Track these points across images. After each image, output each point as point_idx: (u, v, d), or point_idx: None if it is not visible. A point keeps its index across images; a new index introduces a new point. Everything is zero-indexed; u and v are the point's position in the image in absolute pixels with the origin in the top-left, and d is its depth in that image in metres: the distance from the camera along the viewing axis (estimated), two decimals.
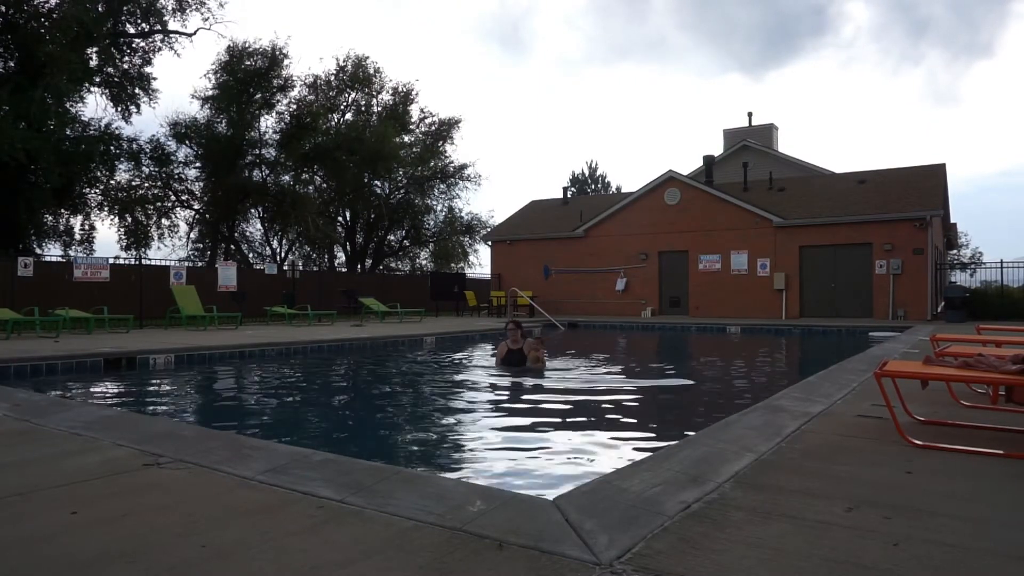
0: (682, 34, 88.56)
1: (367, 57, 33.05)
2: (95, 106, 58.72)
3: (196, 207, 30.46)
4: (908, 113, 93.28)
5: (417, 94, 36.02)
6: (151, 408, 6.58)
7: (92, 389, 7.75)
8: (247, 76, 28.45)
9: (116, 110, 25.57)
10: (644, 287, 24.38)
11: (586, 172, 59.48)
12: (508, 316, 23.73)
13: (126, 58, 25.80)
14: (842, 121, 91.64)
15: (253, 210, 31.65)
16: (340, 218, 34.79)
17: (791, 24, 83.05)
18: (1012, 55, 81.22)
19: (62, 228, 26.18)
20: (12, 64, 22.36)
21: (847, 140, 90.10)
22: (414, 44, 76.05)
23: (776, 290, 21.87)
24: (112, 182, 26.66)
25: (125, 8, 24.88)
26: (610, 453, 4.67)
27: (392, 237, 36.44)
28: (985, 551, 2.26)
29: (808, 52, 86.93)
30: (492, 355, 10.27)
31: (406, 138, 34.04)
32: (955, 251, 36.13)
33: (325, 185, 32.84)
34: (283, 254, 33.80)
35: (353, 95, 33.38)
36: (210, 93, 28.68)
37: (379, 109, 33.94)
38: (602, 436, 5.21)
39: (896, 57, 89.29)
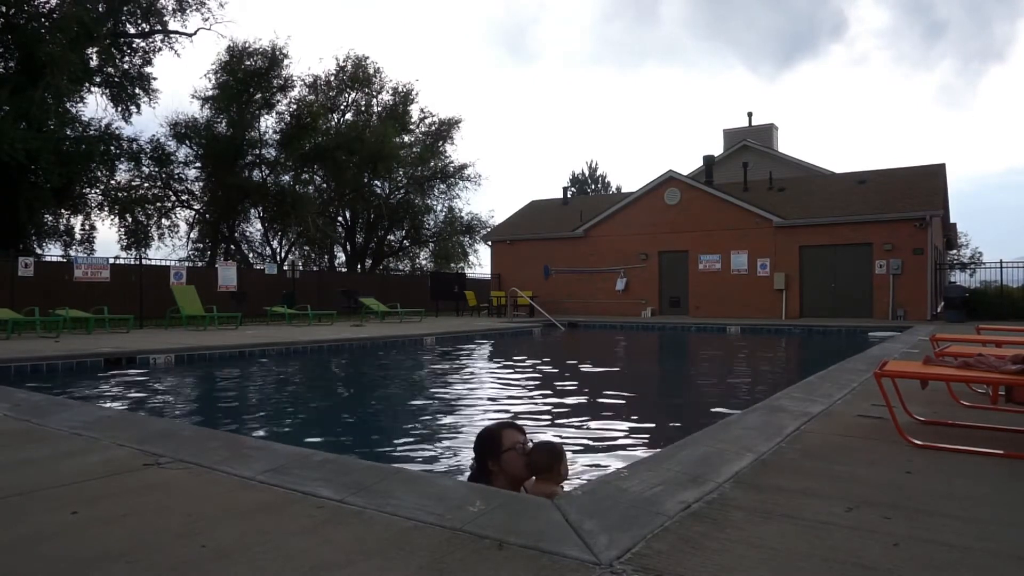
0: (683, 35, 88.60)
1: (367, 57, 33.11)
2: (95, 106, 58.59)
3: (196, 207, 30.48)
4: (912, 113, 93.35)
5: (417, 94, 36.06)
6: (151, 408, 6.58)
7: (92, 389, 7.75)
8: (247, 76, 28.45)
9: (116, 110, 25.62)
10: (644, 287, 24.38)
11: (586, 172, 59.46)
12: (510, 313, 23.03)
13: (126, 58, 25.80)
14: (844, 121, 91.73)
15: (253, 210, 31.64)
16: (340, 218, 34.78)
17: (793, 26, 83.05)
18: (1022, 56, 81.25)
19: (62, 228, 26.20)
20: (12, 64, 22.36)
21: (849, 140, 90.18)
22: (414, 44, 76.14)
23: (776, 290, 21.86)
24: (112, 182, 26.69)
25: (125, 8, 24.88)
26: (610, 453, 4.67)
27: (392, 237, 36.42)
28: (985, 551, 2.26)
29: (814, 54, 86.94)
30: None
31: (406, 138, 34.04)
32: (955, 251, 36.12)
33: (325, 185, 32.83)
34: (283, 254, 33.80)
35: (353, 95, 33.39)
36: (210, 93, 28.70)
37: (379, 109, 33.94)
38: (602, 436, 5.22)
39: (907, 60, 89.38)
